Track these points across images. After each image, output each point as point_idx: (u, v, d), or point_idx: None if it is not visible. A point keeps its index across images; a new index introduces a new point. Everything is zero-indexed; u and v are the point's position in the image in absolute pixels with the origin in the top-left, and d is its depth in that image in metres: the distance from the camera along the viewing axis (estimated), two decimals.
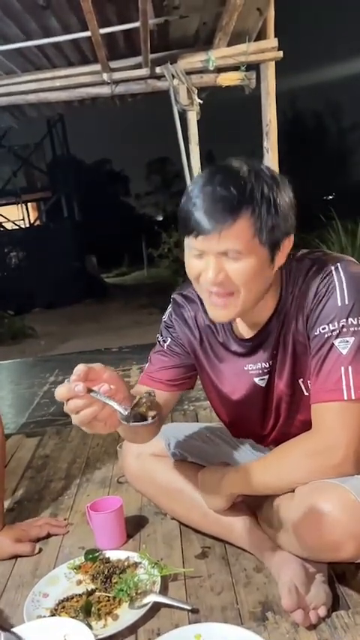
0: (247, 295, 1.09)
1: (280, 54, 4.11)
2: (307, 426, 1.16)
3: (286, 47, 4.17)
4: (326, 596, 1.16)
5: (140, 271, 15.57)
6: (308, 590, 1.16)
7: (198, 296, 1.32)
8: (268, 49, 4.07)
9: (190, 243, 1.08)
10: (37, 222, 16.25)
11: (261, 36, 4.12)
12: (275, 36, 4.11)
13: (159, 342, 1.39)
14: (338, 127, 27.06)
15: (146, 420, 0.93)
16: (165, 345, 1.37)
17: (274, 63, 4.17)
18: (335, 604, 1.18)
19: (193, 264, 1.11)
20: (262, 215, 1.03)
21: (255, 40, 4.08)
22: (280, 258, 1.11)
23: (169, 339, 1.36)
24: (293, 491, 1.18)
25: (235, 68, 4.24)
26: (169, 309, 1.38)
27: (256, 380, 1.27)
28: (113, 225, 21.11)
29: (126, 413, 0.92)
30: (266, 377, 1.26)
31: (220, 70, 4.18)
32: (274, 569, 1.26)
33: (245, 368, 1.28)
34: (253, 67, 4.27)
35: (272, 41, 4.08)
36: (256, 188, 1.03)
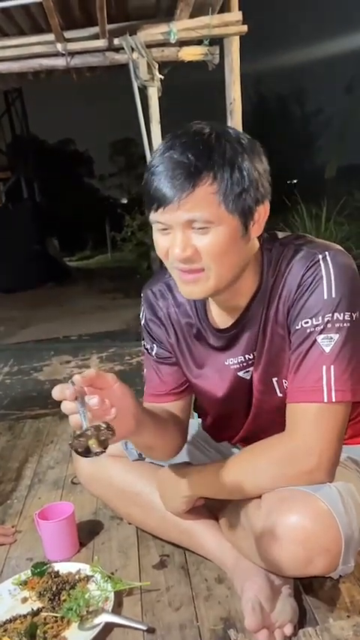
0: (220, 270, 0.98)
1: (245, 28, 3.97)
2: (276, 426, 1.06)
3: (252, 29, 4.00)
4: (292, 611, 1.07)
5: (104, 255, 15.24)
6: (274, 606, 1.07)
7: (168, 288, 1.20)
8: (232, 22, 3.92)
9: (154, 218, 0.97)
10: None
11: (224, 9, 3.96)
12: (240, 9, 3.96)
13: (147, 350, 1.27)
14: (303, 111, 26.99)
15: (90, 453, 0.83)
16: (153, 353, 1.25)
17: (238, 38, 4.02)
18: (302, 619, 1.09)
19: (159, 241, 1.00)
20: (224, 180, 0.92)
21: (219, 13, 3.92)
22: (256, 229, 1.00)
23: (155, 347, 1.24)
24: (260, 496, 1.08)
25: (198, 43, 4.08)
26: (142, 308, 1.25)
27: (240, 374, 1.16)
28: (76, 207, 20.60)
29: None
30: (250, 369, 1.14)
31: (182, 43, 4.00)
32: (236, 581, 1.16)
33: (226, 363, 1.16)
34: (217, 42, 4.11)
35: (237, 14, 3.93)
36: (217, 151, 0.92)
